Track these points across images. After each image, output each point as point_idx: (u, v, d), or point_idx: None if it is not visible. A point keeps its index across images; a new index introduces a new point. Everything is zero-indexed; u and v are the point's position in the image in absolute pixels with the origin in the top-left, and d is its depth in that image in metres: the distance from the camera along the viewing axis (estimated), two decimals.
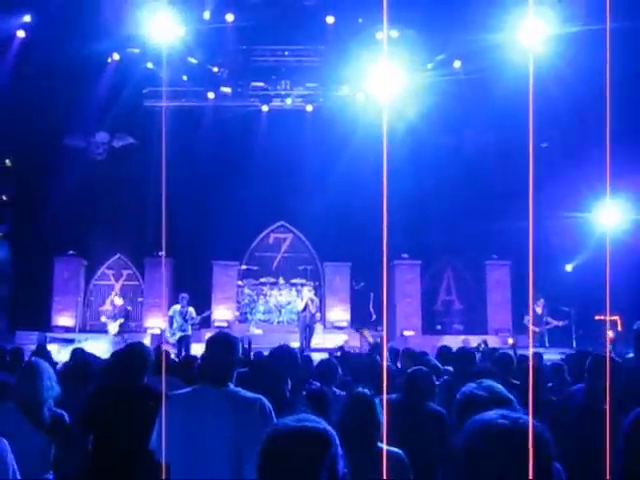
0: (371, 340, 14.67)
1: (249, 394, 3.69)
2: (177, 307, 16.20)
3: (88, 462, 4.68)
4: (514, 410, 2.63)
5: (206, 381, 3.75)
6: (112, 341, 15.86)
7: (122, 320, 16.83)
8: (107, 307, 20.15)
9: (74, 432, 4.61)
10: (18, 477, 3.35)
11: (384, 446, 3.62)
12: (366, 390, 3.89)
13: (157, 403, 3.79)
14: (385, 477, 3.11)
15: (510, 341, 15.94)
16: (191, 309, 16.19)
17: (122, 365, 4.97)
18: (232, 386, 3.74)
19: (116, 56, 19.04)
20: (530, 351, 10.56)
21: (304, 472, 1.88)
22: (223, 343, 3.85)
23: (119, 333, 16.52)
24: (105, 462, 4.60)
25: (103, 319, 17.05)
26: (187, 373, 6.50)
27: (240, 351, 3.88)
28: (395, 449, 3.65)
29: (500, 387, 3.02)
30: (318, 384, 5.22)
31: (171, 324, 16.02)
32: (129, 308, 17.99)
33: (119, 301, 17.20)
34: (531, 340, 15.99)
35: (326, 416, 3.70)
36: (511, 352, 6.96)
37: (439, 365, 6.97)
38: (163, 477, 3.51)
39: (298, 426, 1.95)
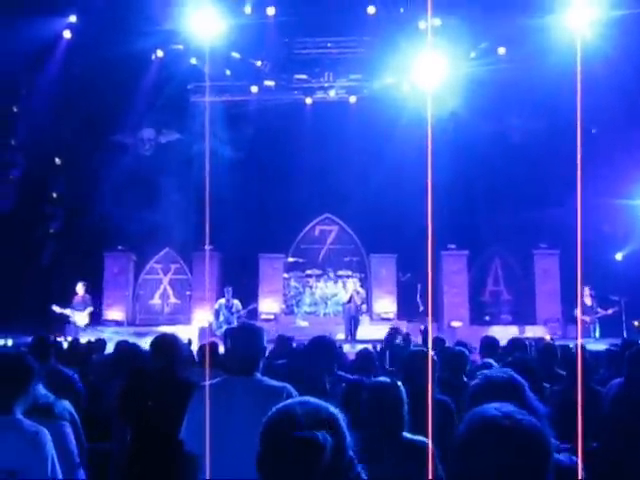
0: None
1: (275, 383, 3.70)
2: (222, 301, 16.41)
3: (126, 452, 4.75)
4: (523, 396, 2.66)
5: (232, 372, 3.77)
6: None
7: (91, 309, 16.39)
8: (156, 301, 20.45)
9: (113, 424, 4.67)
10: (57, 467, 3.39)
11: (409, 435, 3.61)
12: (387, 379, 3.86)
13: (188, 394, 3.83)
14: (410, 467, 3.09)
15: (547, 337, 15.72)
16: (236, 301, 16.38)
17: (154, 356, 5.02)
18: (259, 375, 3.76)
19: (160, 53, 19.27)
20: (579, 341, 10.41)
21: (294, 458, 1.85)
22: (247, 333, 3.87)
23: (89, 324, 16.25)
24: (139, 452, 4.67)
25: (67, 312, 16.38)
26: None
27: (265, 340, 3.88)
28: (421, 438, 3.62)
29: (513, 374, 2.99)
30: (349, 376, 5.19)
31: (217, 317, 16.20)
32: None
33: (81, 290, 16.49)
34: (579, 330, 15.72)
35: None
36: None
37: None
38: (193, 468, 3.55)
39: (283, 410, 1.94)
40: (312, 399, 1.97)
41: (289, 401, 1.99)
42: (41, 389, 4.09)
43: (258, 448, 1.91)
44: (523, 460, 1.76)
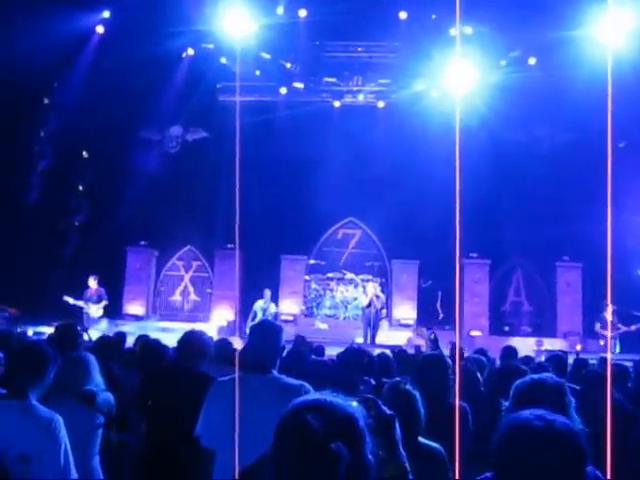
0: (423, 336, 14.42)
1: (293, 380, 3.69)
2: (260, 302, 16.34)
3: (141, 446, 4.78)
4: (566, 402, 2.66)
5: (249, 369, 3.76)
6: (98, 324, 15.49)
7: (105, 302, 16.21)
8: (176, 298, 20.52)
9: (130, 416, 4.71)
10: (70, 455, 3.45)
11: (425, 440, 3.60)
12: (403, 382, 3.85)
13: (204, 389, 3.84)
14: (424, 473, 3.08)
15: (578, 347, 15.55)
16: (272, 305, 16.38)
17: (179, 351, 5.06)
18: (276, 373, 3.75)
19: (191, 51, 19.42)
20: (609, 356, 10.28)
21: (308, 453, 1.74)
22: (264, 331, 3.87)
23: (103, 316, 16.15)
24: (153, 447, 4.69)
25: (80, 303, 16.01)
26: None
27: (283, 339, 3.86)
28: (434, 444, 3.61)
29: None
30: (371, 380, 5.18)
31: (253, 319, 15.94)
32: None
33: (93, 284, 16.30)
34: (609, 344, 15.55)
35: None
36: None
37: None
38: (207, 463, 3.55)
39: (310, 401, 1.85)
40: (330, 397, 1.85)
41: (305, 401, 1.86)
42: (96, 376, 4.23)
43: (273, 448, 1.82)
44: (558, 460, 1.78)
